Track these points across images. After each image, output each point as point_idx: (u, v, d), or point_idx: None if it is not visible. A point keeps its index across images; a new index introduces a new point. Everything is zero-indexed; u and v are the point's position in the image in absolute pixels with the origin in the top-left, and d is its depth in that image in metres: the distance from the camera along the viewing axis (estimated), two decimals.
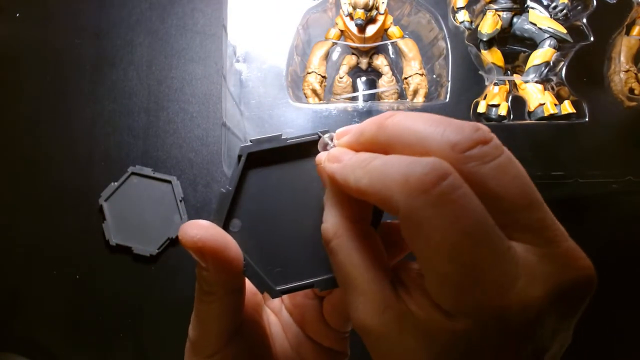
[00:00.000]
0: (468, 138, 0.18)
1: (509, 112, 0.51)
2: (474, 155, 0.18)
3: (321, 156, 0.23)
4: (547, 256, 0.18)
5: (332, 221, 0.21)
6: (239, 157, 0.23)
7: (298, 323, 0.29)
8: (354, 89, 0.55)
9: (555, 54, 0.50)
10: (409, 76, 0.52)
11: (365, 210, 0.22)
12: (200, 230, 0.22)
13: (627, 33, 0.52)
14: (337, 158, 0.21)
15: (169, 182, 0.56)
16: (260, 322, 0.28)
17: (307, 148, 0.24)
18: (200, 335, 0.25)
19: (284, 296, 0.27)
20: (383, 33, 0.53)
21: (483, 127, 0.19)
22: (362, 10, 0.49)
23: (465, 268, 0.17)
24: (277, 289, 0.23)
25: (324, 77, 0.52)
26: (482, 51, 0.52)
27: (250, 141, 0.23)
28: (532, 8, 0.52)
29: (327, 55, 0.53)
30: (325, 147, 0.23)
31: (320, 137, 0.24)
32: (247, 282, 0.24)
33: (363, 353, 0.21)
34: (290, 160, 0.24)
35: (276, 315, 0.29)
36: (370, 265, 0.20)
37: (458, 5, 0.52)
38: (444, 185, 0.17)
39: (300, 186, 0.24)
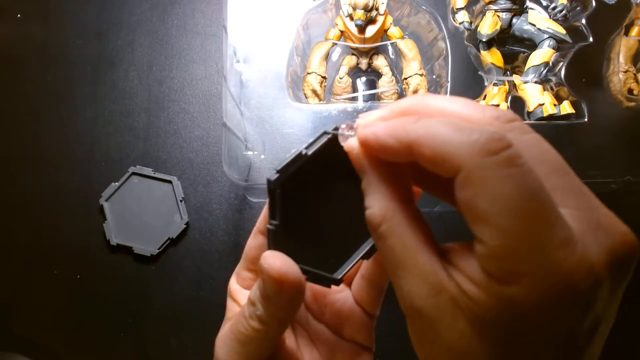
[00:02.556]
0: (509, 113, 0.20)
1: None
2: (515, 126, 0.19)
3: (351, 142, 0.22)
4: (593, 222, 0.18)
5: (378, 205, 0.21)
6: (272, 190, 0.23)
7: (331, 323, 0.29)
8: (354, 89, 0.55)
9: (554, 55, 0.50)
10: (409, 76, 0.52)
11: (409, 190, 0.22)
12: (285, 263, 0.23)
13: (626, 34, 0.52)
14: (374, 125, 0.21)
15: (170, 182, 0.56)
16: (285, 342, 0.28)
17: (322, 150, 0.24)
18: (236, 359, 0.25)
19: (313, 303, 0.30)
20: (383, 34, 0.53)
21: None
22: (362, 11, 0.49)
23: (532, 226, 0.17)
24: (338, 277, 0.25)
25: (324, 77, 0.52)
26: (482, 52, 0.52)
27: (277, 172, 0.23)
28: (532, 9, 0.52)
29: (327, 56, 0.53)
30: (346, 138, 0.23)
31: (326, 133, 0.24)
32: None
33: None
34: (310, 166, 0.24)
35: (303, 327, 0.29)
36: (423, 246, 0.19)
37: (457, 6, 0.52)
38: (510, 151, 0.17)
39: (323, 181, 0.25)
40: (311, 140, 0.24)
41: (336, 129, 0.24)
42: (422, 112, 0.21)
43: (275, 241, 0.24)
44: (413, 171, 0.21)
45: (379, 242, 0.21)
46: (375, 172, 0.21)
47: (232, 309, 0.28)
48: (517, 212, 0.17)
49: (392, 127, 0.20)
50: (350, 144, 0.22)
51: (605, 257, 0.17)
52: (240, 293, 0.28)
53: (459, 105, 0.20)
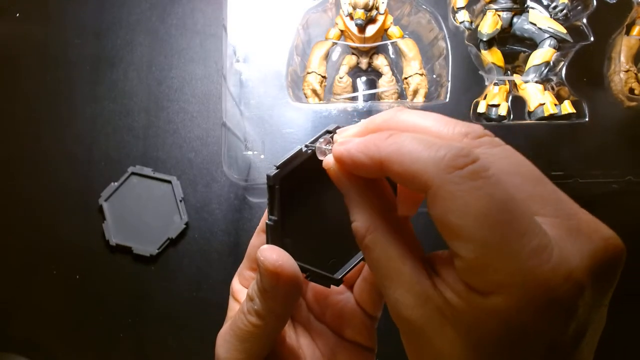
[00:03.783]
0: (478, 129, 0.20)
1: (509, 112, 0.51)
2: (484, 141, 0.20)
3: (328, 160, 0.22)
4: (572, 228, 0.18)
5: (361, 218, 0.21)
6: (271, 186, 0.24)
7: (333, 323, 0.29)
8: (354, 89, 0.55)
9: (555, 54, 0.50)
10: (409, 76, 0.52)
11: (390, 200, 0.22)
12: (281, 256, 0.23)
13: (627, 33, 0.52)
14: (348, 142, 0.21)
15: (169, 182, 0.56)
16: (286, 341, 0.28)
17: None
18: (236, 357, 0.25)
19: (314, 303, 0.30)
20: (383, 33, 0.53)
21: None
22: (362, 10, 0.49)
23: (503, 237, 0.17)
24: (339, 277, 0.25)
25: (324, 77, 0.52)
26: (482, 51, 0.52)
27: (276, 167, 0.24)
28: (532, 8, 0.52)
29: (327, 55, 0.53)
30: (325, 153, 0.23)
31: (329, 131, 0.24)
32: None
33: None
34: (312, 164, 0.24)
35: (304, 327, 0.30)
36: (407, 256, 0.20)
37: (458, 5, 0.52)
38: (476, 165, 0.18)
39: (324, 181, 0.25)
40: (313, 138, 0.24)
41: (337, 127, 0.24)
42: (395, 128, 0.21)
43: (273, 236, 0.24)
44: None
45: (365, 253, 0.21)
46: (354, 187, 0.22)
47: (234, 309, 0.28)
48: (487, 224, 0.17)
49: (364, 145, 0.20)
50: (328, 161, 0.23)
51: (586, 263, 0.17)
52: (242, 293, 0.28)
53: (430, 121, 0.21)
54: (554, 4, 0.52)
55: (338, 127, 0.24)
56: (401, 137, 0.19)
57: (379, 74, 0.55)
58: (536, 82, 0.51)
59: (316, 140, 0.24)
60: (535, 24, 0.51)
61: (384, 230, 0.21)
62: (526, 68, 0.51)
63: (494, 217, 0.17)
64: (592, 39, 0.50)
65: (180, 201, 0.55)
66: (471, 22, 0.52)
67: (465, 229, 0.17)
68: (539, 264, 0.16)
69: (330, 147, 0.23)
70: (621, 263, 0.18)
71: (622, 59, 0.51)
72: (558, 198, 0.18)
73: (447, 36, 0.51)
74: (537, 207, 0.18)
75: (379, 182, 0.22)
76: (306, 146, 0.24)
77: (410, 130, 0.21)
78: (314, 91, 0.52)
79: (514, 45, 0.54)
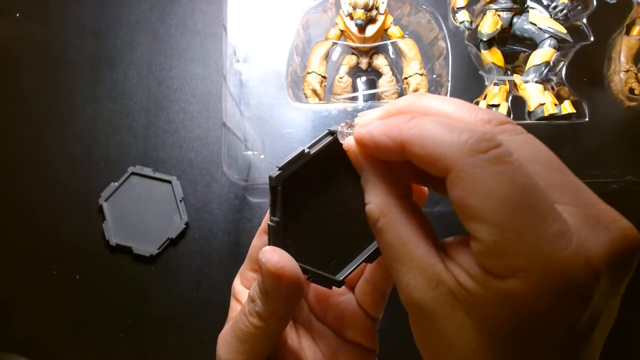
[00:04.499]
0: (500, 116, 0.20)
1: (509, 112, 0.51)
2: (507, 128, 0.20)
3: (349, 141, 0.23)
4: (591, 217, 0.18)
5: (376, 200, 0.21)
6: (273, 187, 0.24)
7: (334, 325, 0.29)
8: (354, 89, 0.55)
9: (555, 54, 0.50)
10: (409, 76, 0.52)
11: (407, 185, 0.22)
12: (283, 258, 0.23)
13: (627, 33, 0.52)
14: (370, 124, 0.21)
15: (169, 182, 0.56)
16: (288, 342, 0.28)
17: (326, 150, 0.24)
18: (238, 358, 0.25)
19: (316, 304, 0.30)
20: (383, 33, 0.53)
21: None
22: (362, 10, 0.49)
23: (524, 221, 0.17)
24: (340, 279, 0.25)
25: (324, 77, 0.52)
26: (482, 51, 0.52)
27: (279, 168, 0.24)
28: (532, 8, 0.52)
29: (327, 55, 0.53)
30: (345, 136, 0.23)
31: (331, 132, 0.24)
32: None
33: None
34: (314, 166, 0.24)
35: (306, 328, 0.29)
36: (420, 240, 0.20)
37: (458, 5, 0.52)
38: (500, 150, 0.18)
39: (327, 182, 0.25)
40: (315, 139, 0.24)
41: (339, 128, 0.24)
42: (417, 112, 0.21)
43: (275, 238, 0.24)
44: (413, 169, 0.21)
45: (378, 236, 0.21)
46: (373, 169, 0.22)
47: (235, 309, 0.28)
48: (509, 208, 0.17)
49: (386, 126, 0.20)
50: (348, 142, 0.23)
51: (603, 251, 0.17)
52: (244, 294, 0.28)
53: (452, 107, 0.21)
54: (554, 4, 0.52)
55: (339, 126, 0.24)
56: (423, 120, 0.19)
57: (379, 74, 0.55)
58: (536, 82, 0.51)
59: (318, 142, 0.24)
60: (535, 24, 0.51)
61: (397, 214, 0.21)
62: (526, 68, 0.51)
63: (516, 202, 0.17)
64: (592, 39, 0.50)
65: (180, 201, 0.55)
66: (471, 22, 0.52)
67: (485, 212, 0.17)
68: (559, 250, 0.16)
69: (351, 131, 0.23)
70: (637, 254, 0.18)
71: (622, 59, 0.51)
72: (578, 187, 0.19)
73: (447, 36, 0.51)
74: (557, 195, 0.18)
75: (397, 166, 0.22)
76: (330, 132, 0.24)
77: (432, 114, 0.21)
78: (314, 91, 0.52)
79: (514, 45, 0.54)
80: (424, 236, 0.20)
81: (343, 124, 0.23)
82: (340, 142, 0.23)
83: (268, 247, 0.24)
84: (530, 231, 0.17)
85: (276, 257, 0.23)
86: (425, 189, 0.25)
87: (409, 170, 0.22)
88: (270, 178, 0.23)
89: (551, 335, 0.17)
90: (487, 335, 0.18)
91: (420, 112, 0.21)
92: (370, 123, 0.21)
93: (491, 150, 0.17)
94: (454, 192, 0.18)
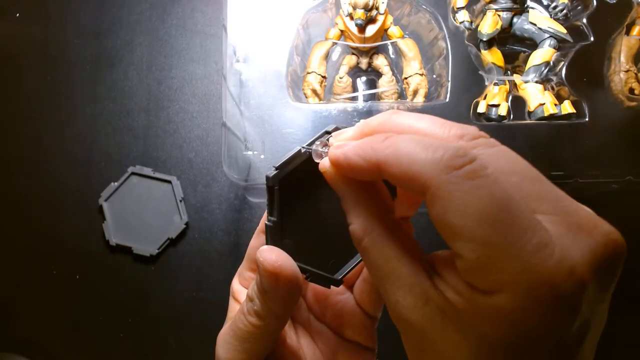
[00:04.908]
0: (473, 130, 0.20)
1: (509, 112, 0.51)
2: (480, 142, 0.20)
3: (325, 162, 0.22)
4: (572, 225, 0.18)
5: (358, 221, 0.21)
6: (270, 187, 0.24)
7: (333, 324, 0.29)
8: (354, 89, 0.55)
9: (555, 54, 0.50)
10: (409, 76, 0.52)
11: (387, 202, 0.22)
12: (280, 257, 0.23)
13: (627, 33, 0.52)
14: (345, 145, 0.21)
15: (169, 182, 0.56)
16: (287, 341, 0.28)
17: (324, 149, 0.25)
18: (236, 358, 0.25)
19: (314, 303, 0.30)
20: (383, 33, 0.53)
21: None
22: (362, 10, 0.49)
23: (504, 235, 0.17)
24: (339, 278, 0.25)
25: (324, 77, 0.52)
26: (482, 51, 0.52)
27: (275, 168, 0.24)
28: (532, 8, 0.52)
29: (327, 55, 0.53)
30: (321, 155, 0.23)
31: (328, 132, 0.24)
32: None
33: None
34: (311, 165, 0.24)
35: (305, 327, 0.30)
36: (406, 257, 0.20)
37: (458, 5, 0.52)
38: (474, 165, 0.17)
39: (324, 182, 0.25)
40: (311, 139, 0.24)
41: (337, 128, 0.24)
42: (390, 130, 0.21)
43: (272, 237, 0.24)
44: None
45: (364, 256, 0.21)
46: (351, 190, 0.22)
47: (234, 309, 0.28)
48: (488, 223, 0.17)
49: (361, 148, 0.20)
50: (324, 164, 0.23)
51: (587, 258, 0.17)
52: (242, 293, 0.28)
53: (425, 123, 0.21)
54: (554, 4, 0.52)
55: (337, 128, 0.24)
56: (398, 139, 0.19)
57: (379, 74, 0.55)
58: (536, 82, 0.51)
59: (314, 141, 0.24)
60: (535, 24, 0.51)
61: (381, 233, 0.21)
62: (526, 68, 0.51)
63: (495, 216, 0.17)
64: (592, 39, 0.50)
65: (180, 201, 0.55)
66: (471, 22, 0.52)
67: (466, 229, 0.17)
68: (542, 261, 0.16)
69: (326, 150, 0.23)
70: (622, 258, 0.18)
71: (622, 59, 0.51)
72: (556, 195, 0.18)
73: (447, 36, 0.51)
74: (535, 205, 0.18)
75: (376, 184, 0.22)
76: (304, 147, 0.24)
77: (405, 132, 0.21)
78: (314, 91, 0.52)
79: (514, 45, 0.54)
80: (409, 253, 0.20)
81: (318, 143, 0.23)
82: (316, 161, 0.23)
83: (265, 247, 0.24)
84: (512, 245, 0.17)
85: (273, 256, 0.23)
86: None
87: (389, 184, 0.22)
88: (267, 178, 0.23)
89: (542, 347, 0.17)
90: (478, 349, 0.18)
91: (394, 131, 0.21)
92: (345, 144, 0.21)
93: (465, 165, 0.17)
94: (433, 210, 0.18)
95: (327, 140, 0.23)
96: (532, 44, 0.52)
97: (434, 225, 0.18)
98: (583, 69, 0.50)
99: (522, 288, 0.16)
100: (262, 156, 0.47)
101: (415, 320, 0.19)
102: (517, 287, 0.17)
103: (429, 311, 0.18)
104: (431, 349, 0.19)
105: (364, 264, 0.22)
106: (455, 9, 0.52)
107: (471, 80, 0.50)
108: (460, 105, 0.49)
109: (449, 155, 0.18)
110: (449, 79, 0.49)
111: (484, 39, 0.51)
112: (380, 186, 0.22)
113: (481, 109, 0.50)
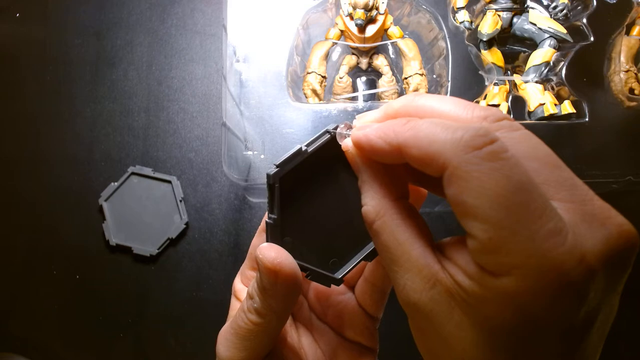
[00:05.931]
0: (497, 112, 0.20)
1: (509, 112, 0.51)
2: (504, 124, 0.19)
3: (347, 142, 0.23)
4: (586, 214, 0.18)
5: (372, 202, 0.21)
6: (271, 185, 0.24)
7: (334, 323, 0.29)
8: (354, 89, 0.55)
9: (555, 54, 0.50)
10: (409, 76, 0.52)
11: (403, 187, 0.22)
12: (280, 254, 0.23)
13: (627, 33, 0.52)
14: (367, 127, 0.22)
15: (169, 182, 0.56)
16: (288, 340, 0.28)
17: (324, 148, 0.24)
18: (237, 356, 0.25)
19: (316, 303, 0.30)
20: (383, 33, 0.53)
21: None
22: (362, 10, 0.49)
23: (519, 218, 0.17)
24: (339, 277, 0.25)
25: (324, 77, 0.52)
26: (482, 51, 0.52)
27: (276, 166, 0.24)
28: (532, 8, 0.52)
29: (327, 55, 0.53)
30: (344, 137, 0.24)
31: (328, 132, 0.24)
32: None
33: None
34: (313, 164, 0.24)
35: (306, 326, 0.30)
36: (416, 241, 0.20)
37: (458, 5, 0.52)
38: (495, 146, 0.17)
39: (326, 181, 0.25)
40: (312, 138, 0.24)
41: (337, 127, 0.24)
42: (413, 113, 0.21)
43: (273, 235, 0.24)
44: (411, 170, 0.21)
45: (374, 238, 0.21)
46: (370, 171, 0.22)
47: (235, 308, 0.28)
48: (504, 204, 0.17)
49: (383, 130, 0.21)
50: (347, 143, 0.23)
51: (599, 248, 0.17)
52: (244, 292, 0.28)
53: (448, 105, 0.21)
54: (554, 4, 0.52)
55: (338, 127, 0.24)
56: (419, 122, 0.19)
57: (379, 74, 0.55)
58: (536, 82, 0.51)
59: (315, 140, 0.24)
60: (535, 24, 0.51)
61: (393, 215, 0.21)
62: (526, 68, 0.51)
63: (511, 199, 0.17)
64: (592, 39, 0.50)
65: (180, 201, 0.55)
66: (471, 22, 0.52)
67: (481, 210, 0.17)
68: (554, 247, 0.16)
69: (349, 132, 0.23)
70: (635, 250, 0.18)
71: (622, 59, 0.51)
72: (574, 184, 0.18)
73: (447, 36, 0.51)
74: (552, 192, 0.18)
75: (394, 168, 0.22)
76: (327, 131, 0.24)
77: (428, 114, 0.21)
78: (314, 91, 0.52)
79: (514, 45, 0.54)
80: (420, 237, 0.20)
81: (342, 125, 0.24)
82: (339, 142, 0.24)
83: (265, 244, 0.24)
84: (525, 228, 0.17)
85: (273, 253, 0.23)
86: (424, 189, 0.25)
87: (407, 171, 0.23)
88: (268, 175, 0.24)
89: (547, 333, 0.17)
90: (484, 333, 0.18)
91: (417, 112, 0.21)
92: (368, 126, 0.22)
93: (486, 146, 0.17)
94: (450, 189, 0.18)
95: (351, 122, 0.24)
96: (532, 44, 0.52)
97: (450, 205, 0.18)
98: (583, 69, 0.50)
99: (531, 272, 0.17)
100: (262, 156, 0.47)
101: (423, 303, 0.19)
102: (526, 271, 0.17)
103: (437, 294, 0.19)
104: (438, 331, 0.19)
105: (375, 246, 0.22)
106: (455, 9, 0.52)
107: (471, 80, 0.50)
108: None
109: (469, 135, 0.18)
110: (449, 79, 0.49)
111: (484, 39, 0.51)
112: (399, 171, 0.23)
113: None
